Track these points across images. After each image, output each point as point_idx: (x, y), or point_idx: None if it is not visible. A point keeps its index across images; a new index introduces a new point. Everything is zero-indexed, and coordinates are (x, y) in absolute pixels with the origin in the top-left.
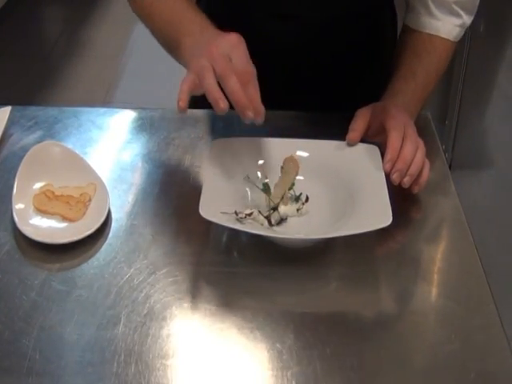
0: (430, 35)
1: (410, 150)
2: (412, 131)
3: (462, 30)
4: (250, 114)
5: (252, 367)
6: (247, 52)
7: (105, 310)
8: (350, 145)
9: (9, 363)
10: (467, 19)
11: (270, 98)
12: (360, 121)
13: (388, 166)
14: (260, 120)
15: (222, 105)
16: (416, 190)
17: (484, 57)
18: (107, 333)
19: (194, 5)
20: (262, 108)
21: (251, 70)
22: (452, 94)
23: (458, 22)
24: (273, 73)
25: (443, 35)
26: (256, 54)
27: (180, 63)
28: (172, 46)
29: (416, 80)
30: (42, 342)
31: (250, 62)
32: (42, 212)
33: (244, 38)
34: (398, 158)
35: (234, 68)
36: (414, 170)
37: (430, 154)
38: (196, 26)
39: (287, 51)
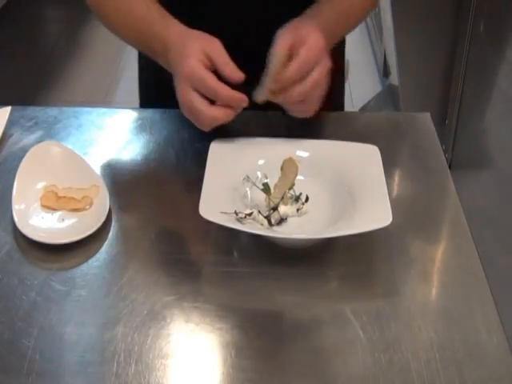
0: None
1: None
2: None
3: None
4: (245, 104)
5: (252, 367)
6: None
7: (105, 310)
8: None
9: (9, 363)
10: None
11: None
12: (281, 40)
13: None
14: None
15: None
16: (299, 114)
17: (484, 57)
18: (107, 333)
19: (150, 5)
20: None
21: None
22: (452, 93)
23: None
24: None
25: None
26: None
27: None
28: (149, 56)
29: (340, 8)
30: (41, 342)
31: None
32: (48, 208)
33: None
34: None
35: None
36: (311, 103)
37: (429, 153)
38: (158, 44)
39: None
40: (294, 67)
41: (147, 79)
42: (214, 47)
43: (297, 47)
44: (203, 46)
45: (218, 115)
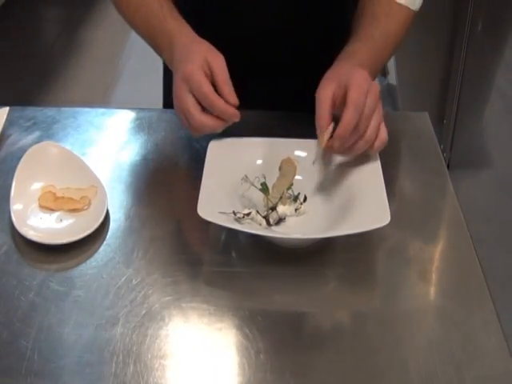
0: (390, 0)
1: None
2: (374, 90)
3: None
4: (237, 119)
5: (251, 367)
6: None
7: (103, 311)
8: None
9: (7, 364)
10: None
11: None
12: (324, 105)
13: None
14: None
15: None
16: (372, 152)
17: (482, 56)
18: (106, 333)
19: (163, 4)
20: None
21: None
22: (450, 93)
23: None
24: (241, 61)
25: (402, 1)
26: (225, 40)
27: None
28: (154, 50)
29: (374, 42)
30: (40, 342)
31: (220, 66)
32: (46, 209)
33: (215, 25)
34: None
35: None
36: (370, 135)
37: (428, 153)
38: (165, 41)
39: (254, 37)
40: (348, 112)
41: (172, 79)
42: (218, 61)
43: (337, 98)
44: (208, 56)
45: (208, 123)
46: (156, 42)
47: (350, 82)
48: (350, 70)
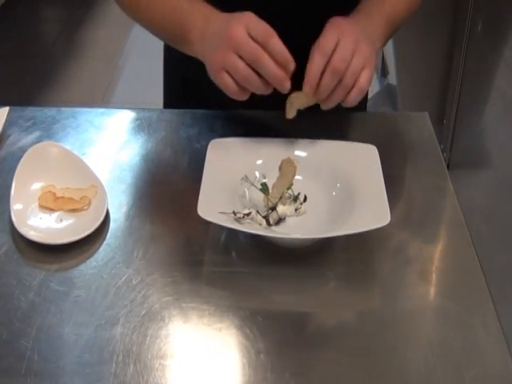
0: None
1: (341, 56)
2: (362, 45)
3: None
4: (287, 85)
5: (251, 367)
6: (260, 20)
7: (103, 311)
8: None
9: (7, 364)
10: None
11: None
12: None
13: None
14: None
15: (287, 84)
16: (348, 102)
17: (482, 56)
18: (105, 333)
19: None
20: (290, 58)
21: (272, 32)
22: (450, 93)
23: None
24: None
25: None
26: None
27: (186, 53)
28: (176, 41)
29: (385, 4)
30: (40, 342)
31: (267, 27)
32: (46, 209)
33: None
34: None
35: (257, 44)
36: (349, 78)
37: (428, 153)
38: (198, 16)
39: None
40: (326, 76)
41: (172, 80)
42: (264, 25)
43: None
44: (251, 22)
45: (254, 77)
46: (185, 21)
47: (338, 45)
48: (347, 26)
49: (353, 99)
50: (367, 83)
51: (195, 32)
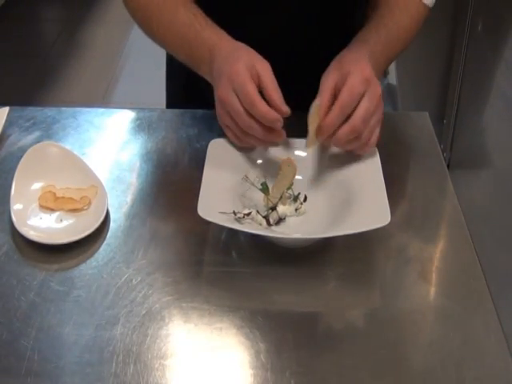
0: None
1: (363, 114)
2: (374, 86)
3: None
4: (279, 124)
5: (251, 367)
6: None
7: (103, 311)
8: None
9: (7, 364)
10: None
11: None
12: (325, 93)
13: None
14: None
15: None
16: (362, 152)
17: (482, 56)
18: (106, 333)
19: (197, 14)
20: (276, 117)
21: (253, 96)
22: (450, 93)
23: None
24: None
25: None
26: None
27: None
28: (190, 65)
29: (387, 32)
30: (40, 342)
31: (251, 90)
32: (46, 209)
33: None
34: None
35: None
36: (366, 136)
37: (428, 153)
38: (204, 51)
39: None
40: (333, 113)
41: (175, 84)
42: (265, 67)
43: (339, 87)
44: (255, 63)
45: (255, 126)
46: (194, 55)
47: (347, 81)
48: (355, 64)
49: (362, 152)
50: (377, 140)
51: (204, 67)
